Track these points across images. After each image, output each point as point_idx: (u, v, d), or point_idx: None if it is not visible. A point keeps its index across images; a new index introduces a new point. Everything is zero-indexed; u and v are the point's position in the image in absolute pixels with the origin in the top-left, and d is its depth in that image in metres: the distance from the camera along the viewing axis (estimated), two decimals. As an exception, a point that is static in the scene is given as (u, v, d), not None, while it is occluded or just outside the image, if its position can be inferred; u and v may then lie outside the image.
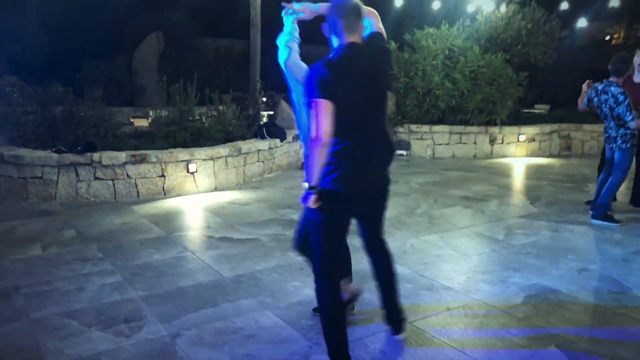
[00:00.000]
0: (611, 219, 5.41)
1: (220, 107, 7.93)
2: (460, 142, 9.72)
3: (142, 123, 9.64)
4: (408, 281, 3.89)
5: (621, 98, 5.11)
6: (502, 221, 5.53)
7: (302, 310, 3.41)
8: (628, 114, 5.09)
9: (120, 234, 4.95)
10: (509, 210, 6.00)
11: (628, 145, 5.24)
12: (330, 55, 2.55)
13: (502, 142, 9.75)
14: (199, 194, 6.58)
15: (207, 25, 16.60)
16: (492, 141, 9.67)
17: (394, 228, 5.23)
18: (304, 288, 3.77)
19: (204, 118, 8.01)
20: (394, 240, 4.80)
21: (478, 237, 4.97)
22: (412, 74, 9.82)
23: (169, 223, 5.35)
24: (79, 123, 6.88)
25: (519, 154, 9.81)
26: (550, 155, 10.15)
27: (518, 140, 9.77)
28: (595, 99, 5.37)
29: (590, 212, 5.62)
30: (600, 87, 5.32)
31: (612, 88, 5.19)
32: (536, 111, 13.15)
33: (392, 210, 5.85)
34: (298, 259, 4.33)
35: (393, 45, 10.19)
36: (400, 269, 4.11)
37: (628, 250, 4.64)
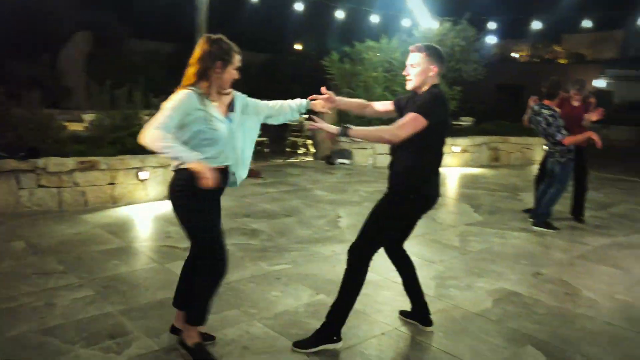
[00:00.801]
0: (550, 226, 5.87)
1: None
2: (400, 152, 10.08)
3: (77, 127, 9.17)
4: (382, 287, 4.03)
5: (551, 120, 5.55)
6: (454, 228, 5.83)
7: (289, 319, 3.44)
8: (557, 134, 5.53)
9: (76, 245, 4.71)
10: (457, 218, 6.34)
11: (566, 158, 5.69)
12: (437, 89, 3.02)
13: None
14: (150, 202, 6.38)
15: (138, 27, 16.09)
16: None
17: (354, 236, 5.34)
18: (285, 297, 3.79)
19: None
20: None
21: (436, 244, 5.21)
22: (354, 85, 10.08)
23: (126, 233, 5.16)
24: (16, 126, 6.44)
25: (453, 164, 10.34)
26: (481, 166, 10.78)
27: (452, 152, 10.30)
28: (533, 117, 5.83)
29: (530, 220, 6.08)
30: (535, 108, 5.77)
31: (543, 110, 5.63)
32: (462, 124, 13.92)
33: (350, 218, 6.00)
34: (271, 268, 4.35)
35: (335, 56, 10.42)
36: (371, 275, 4.25)
37: (570, 255, 5.07)
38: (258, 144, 10.37)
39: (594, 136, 5.41)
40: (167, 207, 6.19)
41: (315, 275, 4.23)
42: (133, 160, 6.23)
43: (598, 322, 3.61)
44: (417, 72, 3.02)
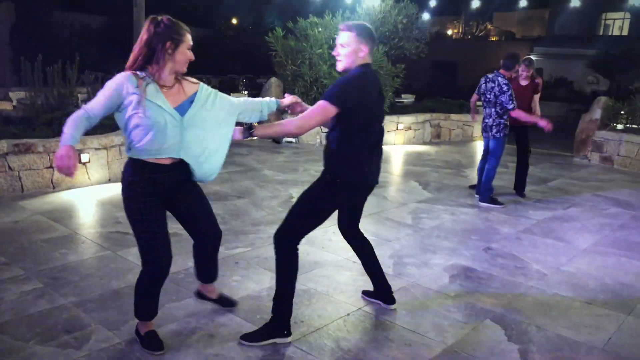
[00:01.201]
0: (496, 202, 6.10)
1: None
2: (346, 130, 10.11)
3: (4, 107, 8.58)
4: (343, 268, 4.05)
5: (505, 88, 5.74)
6: (405, 206, 5.94)
7: (253, 305, 3.40)
8: (510, 102, 5.72)
9: (18, 234, 4.43)
10: (407, 196, 6.45)
11: (501, 135, 5.92)
12: (362, 69, 2.86)
13: (383, 130, 10.34)
14: (93, 186, 6.09)
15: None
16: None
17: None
18: (246, 282, 3.74)
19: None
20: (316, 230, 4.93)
21: (390, 222, 5.29)
22: (299, 62, 9.96)
23: (71, 220, 4.90)
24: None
25: (397, 142, 10.50)
26: (424, 143, 11.01)
27: (397, 129, 10.44)
28: (483, 86, 5.98)
29: (477, 196, 6.30)
30: (490, 76, 5.96)
31: (499, 78, 5.81)
32: (404, 101, 14.14)
33: (303, 198, 5.97)
34: (229, 252, 4.27)
35: (279, 32, 10.22)
36: (330, 256, 4.28)
37: (516, 229, 5.29)
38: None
39: (543, 123, 5.62)
40: (112, 191, 5.96)
41: (272, 258, 4.18)
42: (73, 142, 5.89)
43: (548, 293, 3.80)
44: (347, 52, 2.85)
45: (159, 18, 2.56)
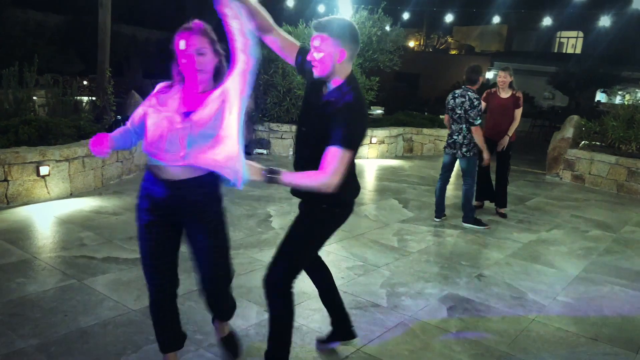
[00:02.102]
0: (480, 223, 5.93)
1: (79, 97, 6.86)
2: (319, 143, 9.85)
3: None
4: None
5: (476, 103, 5.57)
6: (389, 227, 5.69)
7: (242, 345, 3.06)
8: (477, 118, 5.57)
9: (-33, 259, 3.94)
10: (389, 215, 6.21)
11: (472, 153, 5.73)
12: (351, 87, 2.43)
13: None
14: (52, 201, 5.59)
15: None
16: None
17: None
18: (234, 317, 3.38)
19: (45, 109, 6.86)
20: (301, 254, 4.62)
21: (376, 245, 5.03)
22: (272, 71, 9.65)
23: (29, 241, 4.42)
24: None
25: (371, 156, 10.30)
26: (397, 157, 10.86)
27: (370, 142, 10.25)
28: (452, 102, 5.75)
29: (436, 220, 6.08)
30: (458, 92, 5.75)
31: (469, 93, 5.61)
32: (374, 113, 14.01)
33: (282, 218, 5.66)
34: (209, 281, 3.90)
35: (252, 40, 9.89)
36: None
37: (505, 253, 5.12)
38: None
39: (486, 156, 5.84)
40: (74, 207, 5.48)
41: (258, 288, 3.83)
42: (31, 153, 5.39)
43: (551, 328, 3.60)
44: (321, 57, 2.38)
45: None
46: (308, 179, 2.35)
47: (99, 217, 5.23)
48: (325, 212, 2.61)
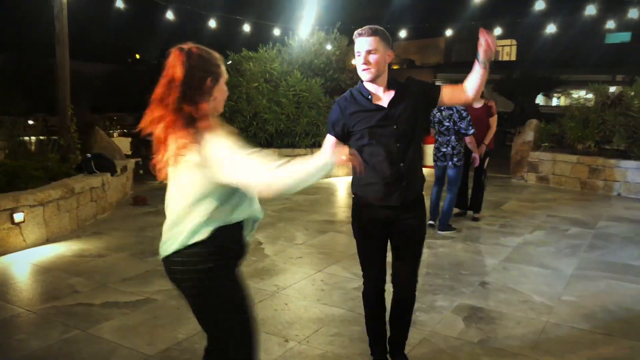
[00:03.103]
0: (451, 227, 6.15)
1: (28, 138, 6.56)
2: (289, 165, 9.81)
3: None
4: (352, 323, 3.70)
5: (465, 114, 5.80)
6: (380, 243, 5.69)
7: (274, 380, 2.95)
8: (470, 127, 5.80)
9: (-47, 320, 3.64)
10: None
11: (461, 163, 5.98)
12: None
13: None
14: (29, 249, 5.28)
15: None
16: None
17: (290, 264, 4.96)
18: (254, 352, 3.27)
19: (5, 151, 6.54)
20: (300, 278, 4.56)
21: (374, 263, 5.01)
22: (236, 97, 9.57)
23: (16, 294, 4.15)
24: None
25: (341, 174, 10.32)
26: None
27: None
28: (438, 115, 5.93)
29: (431, 222, 6.22)
30: (441, 108, 5.90)
31: (456, 105, 5.77)
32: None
33: (273, 244, 5.57)
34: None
35: (213, 67, 9.81)
36: (332, 310, 3.90)
37: (498, 259, 5.22)
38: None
39: (476, 156, 6.16)
40: (53, 252, 5.19)
41: (272, 319, 3.76)
42: (4, 200, 5.09)
43: (565, 328, 3.67)
44: (376, 58, 2.58)
45: (187, 47, 2.03)
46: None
47: (83, 261, 4.98)
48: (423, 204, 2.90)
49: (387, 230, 2.78)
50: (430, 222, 6.22)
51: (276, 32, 11.83)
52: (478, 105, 6.52)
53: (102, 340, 3.38)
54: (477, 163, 6.24)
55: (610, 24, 13.00)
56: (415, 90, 2.70)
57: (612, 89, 12.45)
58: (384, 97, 2.68)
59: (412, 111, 2.67)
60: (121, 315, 3.77)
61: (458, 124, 5.82)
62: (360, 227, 2.83)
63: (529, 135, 9.85)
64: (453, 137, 5.90)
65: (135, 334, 3.48)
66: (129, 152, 9.71)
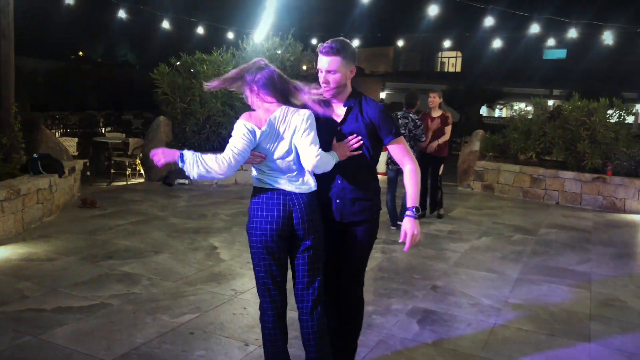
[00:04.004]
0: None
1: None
2: (242, 169, 9.76)
3: None
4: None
5: (419, 123, 6.35)
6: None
7: (236, 383, 2.97)
8: (423, 135, 6.42)
9: None
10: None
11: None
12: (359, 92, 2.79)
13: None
14: (-29, 251, 5.05)
15: None
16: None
17: (247, 269, 4.96)
18: (215, 356, 3.28)
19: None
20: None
21: (330, 268, 5.09)
22: (189, 99, 9.47)
23: (-40, 299, 3.97)
24: None
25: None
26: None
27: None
28: (400, 122, 6.34)
29: (393, 228, 6.60)
30: (400, 114, 6.39)
31: (411, 115, 6.36)
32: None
33: (229, 249, 5.57)
34: (176, 321, 3.75)
35: (166, 69, 9.66)
36: (289, 313, 3.93)
37: (448, 264, 5.42)
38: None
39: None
40: (1, 254, 4.98)
41: (231, 323, 3.77)
42: (-56, 201, 4.85)
43: (512, 329, 3.88)
44: (336, 78, 2.63)
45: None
46: (415, 176, 2.72)
47: (32, 265, 4.80)
48: (377, 216, 2.85)
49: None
50: (392, 227, 6.57)
51: (230, 35, 11.78)
52: (436, 114, 6.96)
53: (56, 346, 3.29)
54: (430, 147, 6.96)
55: (549, 42, 13.75)
56: (370, 118, 2.69)
57: (551, 102, 13.13)
58: (340, 113, 2.73)
59: (359, 131, 2.68)
60: (75, 320, 3.68)
61: (413, 131, 6.30)
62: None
63: (475, 145, 10.25)
64: (409, 143, 6.16)
65: (91, 339, 3.41)
66: (76, 153, 9.39)
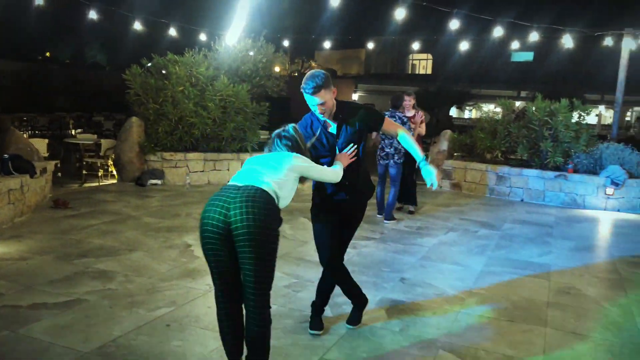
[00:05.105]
0: (393, 218, 7.19)
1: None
2: (215, 169, 9.86)
3: None
4: (282, 317, 3.91)
5: (405, 119, 6.94)
6: (308, 244, 5.94)
7: (212, 370, 3.10)
8: (411, 131, 6.90)
9: None
10: (305, 233, 6.46)
11: (401, 160, 7.06)
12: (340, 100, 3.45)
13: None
14: (-58, 252, 5.04)
15: None
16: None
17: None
18: (190, 346, 3.40)
19: None
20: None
21: (303, 262, 5.26)
22: (161, 100, 9.50)
23: None
24: None
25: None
26: (290, 178, 11.17)
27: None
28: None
29: (379, 216, 7.23)
30: (387, 113, 6.83)
31: (397, 114, 6.94)
32: (262, 137, 14.23)
33: (200, 246, 5.64)
34: (153, 314, 3.85)
35: (138, 70, 9.68)
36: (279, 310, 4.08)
37: (416, 257, 5.63)
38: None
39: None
40: None
41: (206, 315, 3.89)
42: None
43: (475, 317, 4.10)
44: (329, 104, 3.28)
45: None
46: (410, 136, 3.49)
47: (4, 264, 4.83)
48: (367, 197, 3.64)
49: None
50: (378, 215, 7.30)
51: (202, 37, 11.84)
52: (410, 114, 7.34)
53: (34, 340, 3.37)
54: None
55: (516, 44, 14.17)
56: (356, 123, 3.37)
57: (518, 103, 13.54)
58: (333, 132, 3.39)
59: (351, 137, 3.37)
60: (51, 315, 3.75)
61: None
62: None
63: (443, 144, 10.54)
64: (395, 140, 6.70)
65: (68, 332, 3.49)
66: (46, 154, 9.32)
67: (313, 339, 3.58)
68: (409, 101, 7.42)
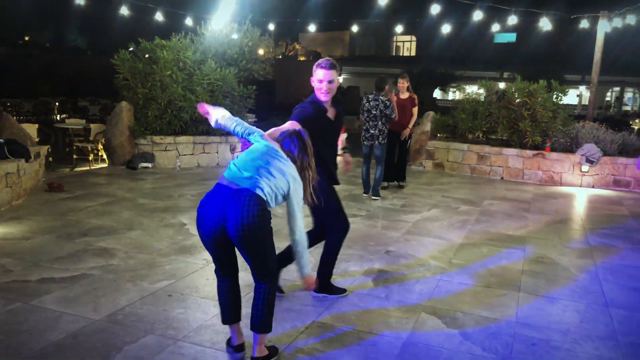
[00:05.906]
0: (379, 194, 7.56)
1: None
2: (204, 152, 10.08)
3: None
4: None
5: (388, 103, 7.18)
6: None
7: (213, 332, 3.39)
8: (393, 113, 7.22)
9: None
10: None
11: (386, 141, 7.36)
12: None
13: (241, 150, 10.50)
14: (-53, 233, 5.24)
15: None
16: (233, 149, 10.36)
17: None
18: (193, 312, 3.69)
19: None
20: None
21: (293, 239, 5.54)
22: (150, 84, 9.64)
23: (-54, 274, 4.21)
24: None
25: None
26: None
27: (253, 148, 10.68)
28: (367, 105, 7.28)
29: (365, 195, 7.66)
30: (371, 96, 7.26)
31: (380, 97, 7.20)
32: (249, 120, 14.43)
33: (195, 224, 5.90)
34: (155, 286, 4.12)
35: (126, 54, 9.80)
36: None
37: (400, 232, 5.95)
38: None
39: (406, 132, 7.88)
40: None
41: (205, 286, 4.17)
42: None
43: (455, 284, 4.43)
44: (334, 86, 3.66)
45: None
46: None
47: (8, 243, 5.05)
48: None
49: None
50: (364, 194, 7.66)
51: (188, 21, 11.93)
52: (404, 96, 7.72)
53: (46, 309, 3.62)
54: (404, 136, 8.11)
55: (497, 26, 14.45)
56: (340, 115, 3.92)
57: (502, 85, 13.85)
58: (331, 115, 3.79)
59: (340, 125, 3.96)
60: (60, 288, 4.00)
61: (384, 111, 7.15)
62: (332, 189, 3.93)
63: (426, 125, 10.85)
64: (380, 122, 7.20)
65: (78, 303, 3.75)
66: (37, 139, 9.44)
67: (305, 305, 3.88)
68: (402, 84, 7.77)
